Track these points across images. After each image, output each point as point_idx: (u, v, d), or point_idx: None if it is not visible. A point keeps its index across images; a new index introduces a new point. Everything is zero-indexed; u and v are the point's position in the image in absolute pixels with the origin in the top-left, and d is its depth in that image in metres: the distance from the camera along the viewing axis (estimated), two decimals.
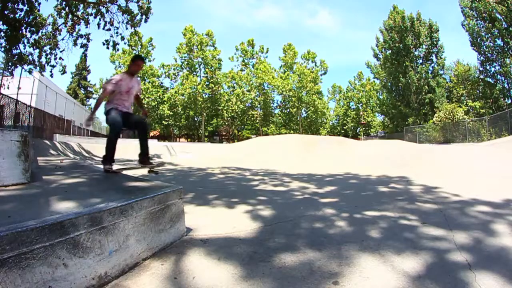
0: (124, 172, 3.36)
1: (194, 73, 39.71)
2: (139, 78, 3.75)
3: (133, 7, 11.77)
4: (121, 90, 3.39)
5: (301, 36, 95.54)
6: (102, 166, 3.33)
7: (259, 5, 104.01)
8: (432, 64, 31.84)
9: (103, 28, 11.45)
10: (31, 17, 10.51)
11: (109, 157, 3.26)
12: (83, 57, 14.29)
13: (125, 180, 2.59)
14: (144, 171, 3.80)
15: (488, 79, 26.30)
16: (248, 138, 35.86)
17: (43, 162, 4.74)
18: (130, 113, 3.52)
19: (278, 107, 45.07)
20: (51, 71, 12.12)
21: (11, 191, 1.91)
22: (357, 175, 6.02)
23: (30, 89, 15.02)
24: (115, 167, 3.34)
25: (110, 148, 3.26)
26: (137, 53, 38.30)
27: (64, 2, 11.06)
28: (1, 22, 9.63)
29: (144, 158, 3.53)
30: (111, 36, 11.73)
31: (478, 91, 28.16)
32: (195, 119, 43.88)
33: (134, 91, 3.60)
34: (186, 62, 39.47)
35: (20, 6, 9.89)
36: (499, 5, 22.02)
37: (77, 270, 1.26)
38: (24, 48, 11.08)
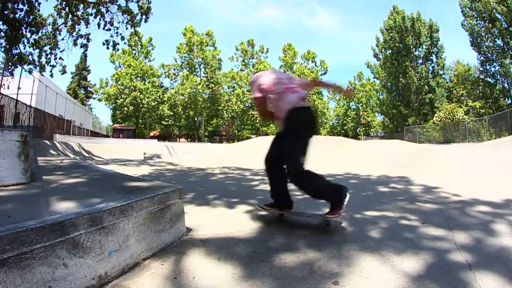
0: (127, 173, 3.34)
1: (194, 73, 39.75)
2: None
3: (133, 7, 11.82)
4: None
5: (301, 36, 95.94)
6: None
7: (259, 5, 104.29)
8: (432, 64, 31.89)
9: (103, 28, 11.47)
10: (31, 17, 10.52)
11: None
12: (83, 57, 14.33)
13: (125, 180, 2.59)
14: (144, 171, 3.78)
15: (488, 79, 26.34)
16: (248, 138, 35.86)
17: (43, 162, 4.73)
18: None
19: None
20: (51, 71, 12.16)
21: (11, 191, 1.90)
22: (357, 175, 6.01)
23: (30, 89, 15.05)
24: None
25: None
26: (136, 53, 38.46)
27: (64, 2, 11.07)
28: (1, 22, 9.64)
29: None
30: (111, 36, 11.76)
31: (478, 91, 28.16)
32: (195, 119, 43.90)
33: None
34: (186, 62, 39.51)
35: (20, 6, 9.91)
36: (499, 5, 22.03)
37: (77, 270, 1.26)
38: (24, 48, 11.10)
